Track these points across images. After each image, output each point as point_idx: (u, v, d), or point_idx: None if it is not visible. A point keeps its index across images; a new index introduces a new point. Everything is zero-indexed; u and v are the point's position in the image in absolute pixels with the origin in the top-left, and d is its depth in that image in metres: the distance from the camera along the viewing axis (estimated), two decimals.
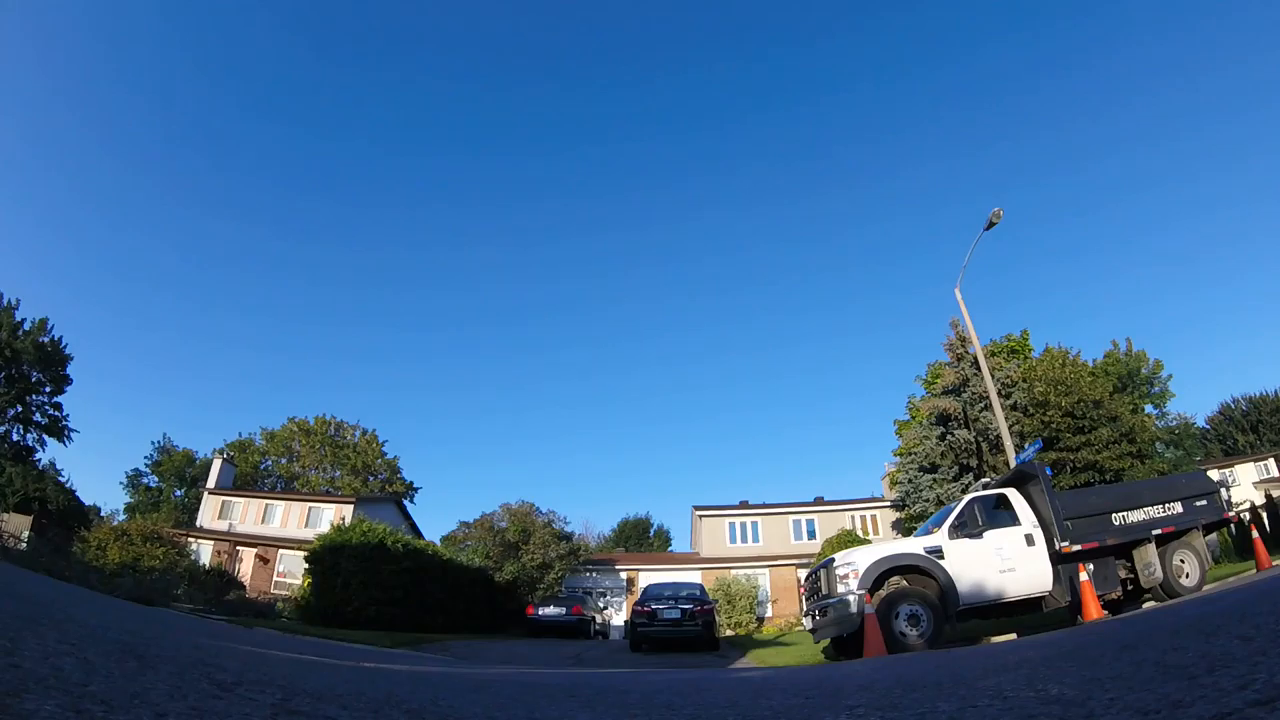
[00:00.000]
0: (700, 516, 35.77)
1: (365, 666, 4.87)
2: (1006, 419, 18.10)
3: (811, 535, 33.55)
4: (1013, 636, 8.47)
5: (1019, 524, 9.03)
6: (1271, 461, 34.90)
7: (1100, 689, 1.94)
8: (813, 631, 9.32)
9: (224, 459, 36.83)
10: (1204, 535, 10.07)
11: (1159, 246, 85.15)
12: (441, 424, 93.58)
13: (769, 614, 29.74)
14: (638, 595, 18.12)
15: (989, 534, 8.82)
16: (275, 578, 29.09)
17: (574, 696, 3.23)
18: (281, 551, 29.96)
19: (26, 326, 35.80)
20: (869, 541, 24.21)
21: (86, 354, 76.34)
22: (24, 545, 20.55)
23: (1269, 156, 69.66)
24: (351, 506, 31.28)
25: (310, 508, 33.46)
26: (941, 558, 8.49)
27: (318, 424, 49.25)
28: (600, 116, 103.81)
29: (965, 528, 8.88)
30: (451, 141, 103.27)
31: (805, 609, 9.84)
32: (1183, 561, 9.41)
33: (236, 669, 2.58)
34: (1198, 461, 34.24)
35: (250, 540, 30.73)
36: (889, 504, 31.12)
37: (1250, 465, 35.22)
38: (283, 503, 34.61)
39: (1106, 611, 8.72)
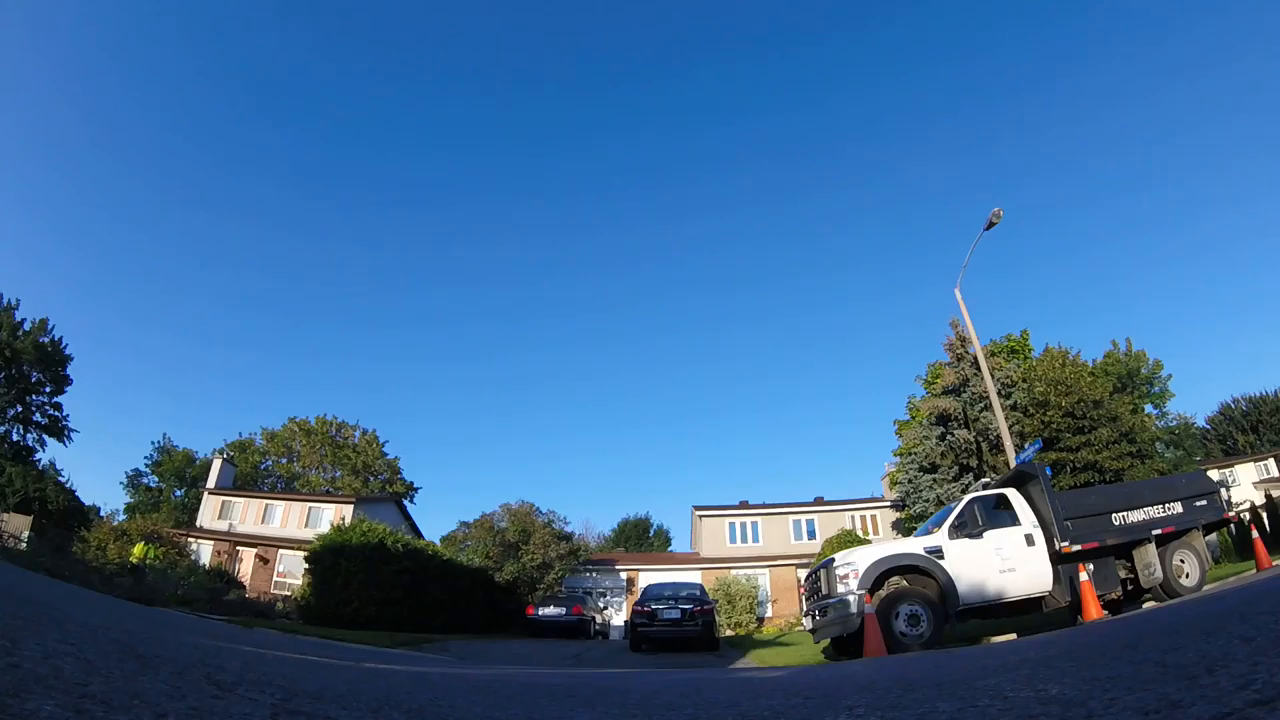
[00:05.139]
0: (700, 516, 35.76)
1: (365, 667, 4.87)
2: (1006, 419, 18.10)
3: (811, 535, 33.54)
4: (1013, 636, 8.46)
5: (1019, 524, 9.02)
6: (1271, 461, 34.88)
7: (1100, 689, 1.94)
8: (813, 631, 9.32)
9: (224, 459, 36.82)
10: (1204, 535, 10.07)
11: (1159, 246, 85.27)
12: (442, 424, 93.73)
13: (769, 614, 29.73)
14: (638, 595, 18.11)
15: (989, 534, 8.81)
16: (275, 578, 29.08)
17: (574, 696, 3.23)
18: (281, 551, 29.95)
19: (26, 326, 35.81)
20: (869, 541, 24.22)
21: (86, 354, 76.51)
22: (24, 545, 20.56)
23: (1268, 156, 69.72)
24: (351, 506, 31.26)
25: (310, 508, 33.43)
26: (941, 558, 8.49)
27: (318, 424, 49.24)
28: (601, 116, 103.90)
29: (965, 528, 8.88)
30: (452, 141, 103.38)
31: (805, 609, 9.84)
32: (1183, 561, 9.41)
33: (236, 669, 2.58)
34: (1198, 461, 34.23)
35: (250, 540, 30.72)
36: (889, 504, 31.11)
37: (1250, 465, 35.21)
38: (283, 503, 34.59)
39: (1106, 611, 8.72)
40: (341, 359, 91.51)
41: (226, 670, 2.44)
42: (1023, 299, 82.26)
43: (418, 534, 31.84)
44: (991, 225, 15.31)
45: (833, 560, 8.73)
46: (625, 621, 23.43)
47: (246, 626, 10.19)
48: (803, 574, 21.89)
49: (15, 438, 36.32)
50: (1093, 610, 8.13)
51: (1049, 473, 9.96)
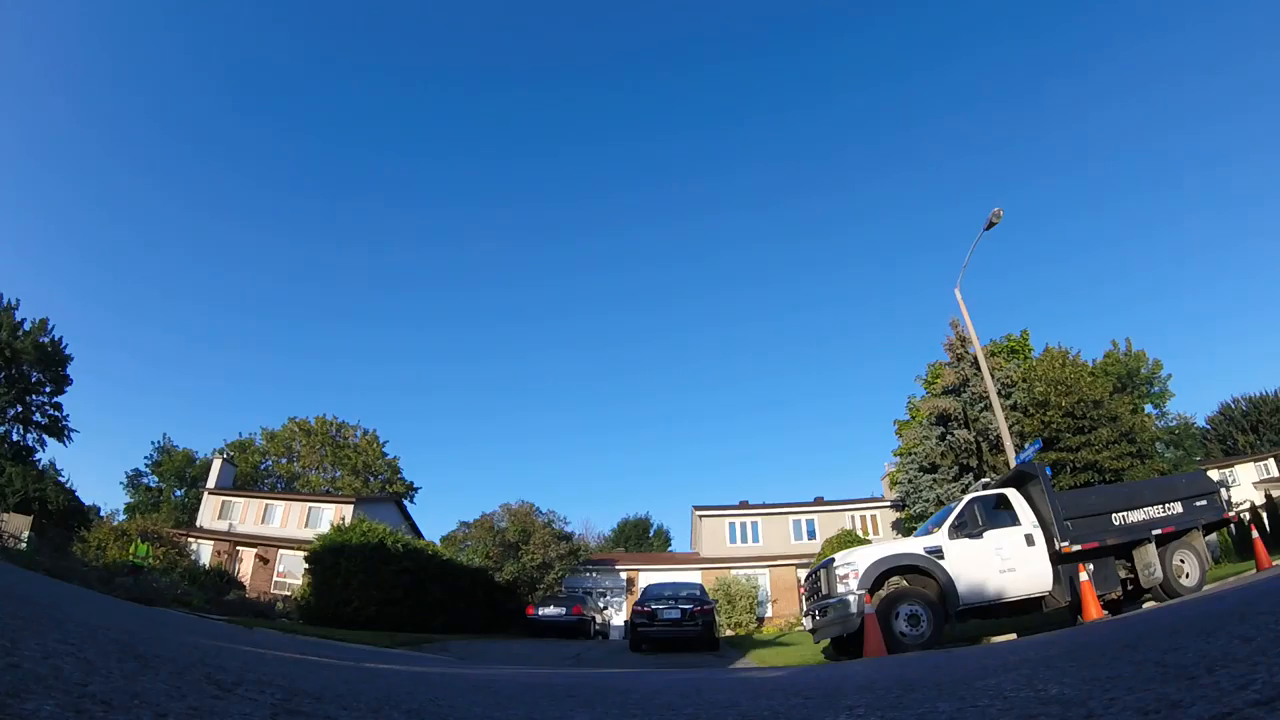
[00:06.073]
0: (700, 516, 35.77)
1: (365, 667, 4.87)
2: (1006, 419, 18.10)
3: (811, 535, 33.56)
4: (1013, 636, 8.46)
5: (1019, 524, 9.02)
6: (1271, 461, 34.89)
7: (1100, 689, 1.93)
8: (813, 631, 9.32)
9: (224, 459, 36.84)
10: (1204, 535, 10.07)
11: (1159, 246, 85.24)
12: (442, 424, 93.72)
13: (769, 614, 29.74)
14: (638, 595, 18.11)
15: (989, 534, 8.81)
16: (275, 578, 29.08)
17: (574, 696, 3.23)
18: (281, 551, 29.95)
19: (26, 326, 35.79)
20: (869, 541, 24.22)
21: (86, 354, 76.49)
22: (24, 545, 20.54)
23: (1268, 156, 69.71)
24: (351, 506, 31.27)
25: (310, 508, 33.45)
26: (941, 558, 8.49)
27: (318, 424, 49.24)
28: (602, 117, 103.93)
29: (965, 528, 8.88)
30: (453, 141, 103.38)
31: (805, 609, 9.84)
32: (1183, 561, 9.41)
33: (236, 669, 2.58)
34: (1198, 461, 34.19)
35: (250, 540, 30.73)
36: (889, 504, 31.11)
37: (1250, 465, 35.22)
38: (283, 503, 34.60)
39: (1106, 611, 8.72)
40: (342, 359, 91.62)
41: (226, 670, 2.44)
42: (1023, 299, 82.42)
43: (418, 534, 31.85)
44: (991, 225, 15.31)
45: (833, 560, 8.73)
46: (625, 621, 23.43)
47: (246, 626, 10.20)
48: (803, 574, 21.90)
49: (15, 438, 36.31)
50: (1093, 610, 8.13)
51: (1049, 473, 9.96)
